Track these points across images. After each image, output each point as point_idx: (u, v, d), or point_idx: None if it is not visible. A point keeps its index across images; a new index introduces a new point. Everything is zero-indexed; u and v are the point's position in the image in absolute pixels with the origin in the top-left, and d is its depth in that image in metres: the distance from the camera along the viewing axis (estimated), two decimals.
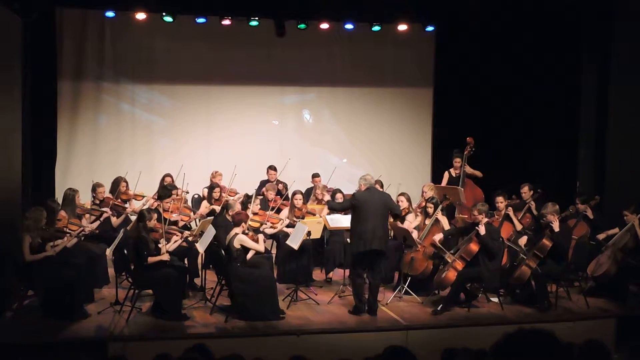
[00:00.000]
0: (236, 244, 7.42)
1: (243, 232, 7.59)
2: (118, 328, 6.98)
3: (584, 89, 10.58)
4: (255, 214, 8.86)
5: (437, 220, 8.53)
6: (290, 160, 10.94)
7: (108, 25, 10.97)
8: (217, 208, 9.42)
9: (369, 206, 7.53)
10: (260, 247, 7.73)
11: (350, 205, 7.74)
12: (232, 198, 9.61)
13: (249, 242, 7.52)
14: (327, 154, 11.97)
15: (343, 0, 10.67)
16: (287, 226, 8.98)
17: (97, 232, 8.47)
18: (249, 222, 8.22)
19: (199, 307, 7.74)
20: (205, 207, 9.59)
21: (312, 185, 10.41)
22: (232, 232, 7.54)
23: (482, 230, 7.81)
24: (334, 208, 8.25)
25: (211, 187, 9.76)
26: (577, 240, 8.75)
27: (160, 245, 7.61)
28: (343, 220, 8.32)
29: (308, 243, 8.53)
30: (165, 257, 7.45)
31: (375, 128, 12.20)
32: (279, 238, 9.07)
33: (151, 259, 7.35)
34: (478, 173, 10.33)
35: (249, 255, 7.59)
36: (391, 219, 8.75)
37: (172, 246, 7.75)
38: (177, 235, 7.96)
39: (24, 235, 7.30)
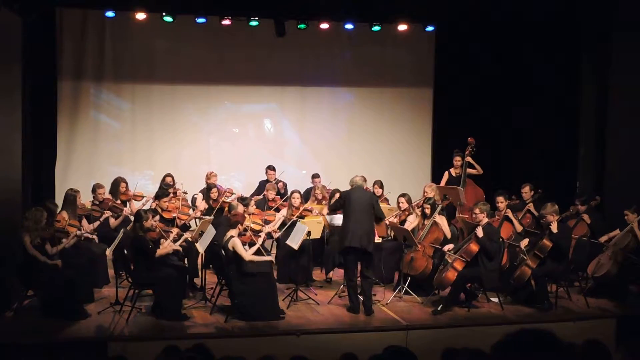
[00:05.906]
0: (230, 246, 7.41)
1: (240, 234, 7.57)
2: (118, 328, 6.98)
3: (584, 89, 10.57)
4: (251, 214, 8.83)
5: (435, 221, 8.52)
6: (289, 161, 10.94)
7: (108, 25, 10.95)
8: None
9: (352, 204, 7.65)
10: (247, 254, 7.39)
11: (337, 204, 8.00)
12: (229, 199, 9.60)
13: (239, 248, 7.37)
14: (327, 153, 11.95)
15: (343, 0, 10.67)
16: (282, 224, 8.96)
17: (97, 233, 8.47)
18: (252, 225, 8.20)
19: (199, 307, 7.74)
20: (204, 206, 9.58)
21: (312, 185, 10.41)
22: (229, 234, 7.51)
23: (479, 232, 7.81)
24: (330, 209, 8.50)
25: (208, 188, 9.76)
26: (577, 240, 8.74)
27: (160, 245, 7.61)
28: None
29: (308, 243, 8.53)
30: (175, 246, 7.61)
31: (375, 128, 12.19)
32: (278, 237, 9.06)
33: (159, 252, 7.42)
34: (479, 168, 10.31)
35: (250, 257, 7.52)
36: (389, 220, 8.77)
37: (173, 246, 7.73)
38: (175, 235, 7.93)
39: (24, 235, 7.29)
